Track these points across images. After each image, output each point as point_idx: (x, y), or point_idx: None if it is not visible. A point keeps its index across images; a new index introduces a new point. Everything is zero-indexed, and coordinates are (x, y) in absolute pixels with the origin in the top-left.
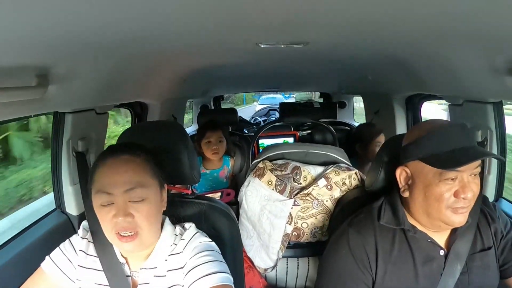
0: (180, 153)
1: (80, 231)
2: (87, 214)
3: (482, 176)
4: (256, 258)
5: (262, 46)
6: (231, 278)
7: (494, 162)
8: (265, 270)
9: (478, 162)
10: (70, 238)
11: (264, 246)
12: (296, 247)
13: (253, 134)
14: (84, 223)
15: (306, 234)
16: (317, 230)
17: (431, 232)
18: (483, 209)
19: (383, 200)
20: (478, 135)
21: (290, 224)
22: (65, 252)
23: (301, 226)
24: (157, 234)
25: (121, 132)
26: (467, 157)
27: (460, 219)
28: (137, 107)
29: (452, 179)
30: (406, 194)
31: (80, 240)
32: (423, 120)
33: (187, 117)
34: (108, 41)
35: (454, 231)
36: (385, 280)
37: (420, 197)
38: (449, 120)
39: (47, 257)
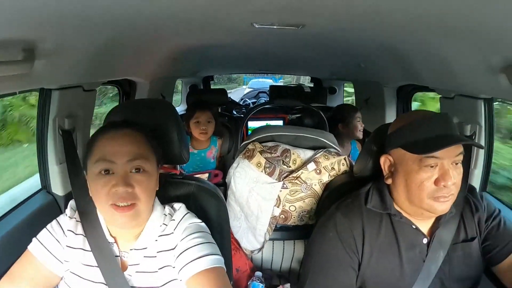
0: (170, 132)
1: (67, 211)
2: (75, 193)
3: (468, 169)
4: (243, 240)
5: (257, 27)
6: (222, 259)
7: (481, 156)
8: (252, 252)
9: (459, 150)
10: (58, 218)
11: (251, 228)
12: (282, 230)
13: (242, 116)
14: (72, 203)
15: (294, 217)
16: (304, 213)
17: (415, 219)
18: (469, 199)
19: (370, 186)
20: (467, 129)
21: (278, 207)
22: (53, 233)
23: (289, 209)
24: (149, 212)
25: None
26: (444, 142)
27: (442, 207)
28: (125, 85)
29: (432, 166)
30: (389, 181)
31: (68, 220)
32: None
33: (175, 97)
34: (98, 17)
35: (438, 219)
36: (371, 263)
37: (402, 184)
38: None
39: (34, 239)
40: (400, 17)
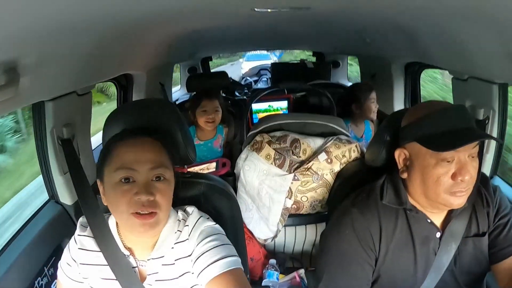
0: (174, 133)
1: (78, 229)
2: (83, 205)
3: (481, 157)
4: (256, 230)
5: (257, 10)
6: (239, 259)
7: (493, 141)
8: (265, 240)
9: (476, 141)
10: (74, 236)
11: (263, 218)
12: (294, 216)
13: (245, 98)
14: (82, 220)
15: (305, 207)
16: (316, 203)
17: (430, 212)
18: (481, 191)
19: (385, 179)
20: (480, 113)
21: (289, 199)
22: (68, 255)
23: (301, 199)
24: (167, 219)
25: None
26: (463, 139)
27: (458, 201)
28: (122, 79)
29: (449, 161)
30: (404, 176)
31: (79, 238)
32: (421, 88)
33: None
34: (81, 21)
35: (450, 212)
36: (386, 260)
37: (418, 179)
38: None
39: (58, 264)
40: None
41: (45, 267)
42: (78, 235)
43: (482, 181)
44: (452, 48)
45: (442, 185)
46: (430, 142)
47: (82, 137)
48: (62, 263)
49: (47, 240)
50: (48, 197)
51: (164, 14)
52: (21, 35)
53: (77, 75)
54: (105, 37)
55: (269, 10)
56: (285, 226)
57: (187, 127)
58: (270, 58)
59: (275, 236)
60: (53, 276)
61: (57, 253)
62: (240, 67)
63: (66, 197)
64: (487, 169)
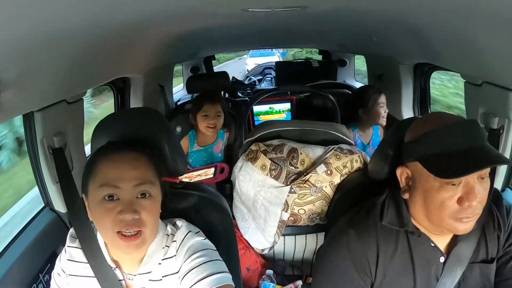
0: (161, 145)
1: (68, 240)
2: (72, 216)
3: (493, 173)
4: (252, 240)
5: (250, 11)
6: (229, 275)
7: (508, 150)
8: (262, 250)
9: None
10: (65, 246)
11: (260, 229)
12: (293, 226)
13: (247, 99)
14: (71, 231)
15: (303, 220)
16: (314, 216)
17: (433, 235)
18: (493, 211)
19: (386, 196)
20: (494, 122)
21: (286, 211)
22: (60, 263)
23: (298, 212)
24: (154, 235)
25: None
26: (473, 164)
27: (465, 226)
28: (118, 83)
29: (454, 184)
30: (406, 196)
31: (68, 249)
32: (431, 90)
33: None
34: (65, 30)
35: (456, 236)
36: (383, 285)
37: (420, 201)
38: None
39: (52, 273)
40: None
41: (40, 274)
42: (68, 246)
43: (494, 199)
44: (465, 50)
45: (447, 210)
46: (433, 165)
47: (74, 145)
48: (54, 273)
49: (42, 247)
50: (43, 205)
51: (154, 16)
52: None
53: (65, 84)
54: (92, 44)
55: (261, 10)
56: (284, 235)
57: (175, 138)
58: (274, 54)
59: (272, 246)
60: (48, 283)
61: (52, 260)
62: (244, 62)
63: (60, 205)
64: (499, 181)
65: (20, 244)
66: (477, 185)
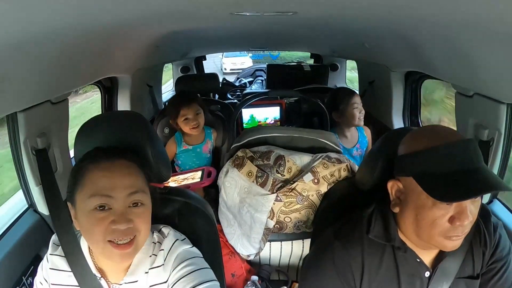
0: (143, 149)
1: (50, 248)
2: (54, 220)
3: None
4: (238, 246)
5: (236, 14)
6: (217, 283)
7: (497, 162)
8: (248, 256)
9: None
10: (46, 254)
11: (245, 235)
12: (279, 233)
13: (236, 101)
14: (54, 238)
15: (289, 228)
16: (301, 223)
17: (419, 250)
18: (480, 227)
19: (373, 209)
20: (484, 134)
21: (271, 219)
22: (42, 271)
23: (284, 220)
24: (145, 242)
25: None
26: (471, 190)
27: (453, 243)
28: (106, 82)
29: (448, 204)
30: (396, 210)
31: (50, 258)
32: (422, 98)
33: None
34: (47, 32)
35: (443, 251)
36: None
37: (410, 217)
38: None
39: (34, 280)
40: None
41: (23, 277)
42: (50, 254)
43: (483, 215)
44: (457, 61)
45: (437, 228)
46: (430, 185)
47: (59, 146)
48: (36, 281)
49: (26, 249)
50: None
51: (141, 17)
52: None
53: (50, 84)
54: (78, 44)
55: (248, 14)
56: (270, 241)
57: (159, 142)
58: (246, 55)
59: (258, 252)
60: (31, 286)
61: (35, 262)
62: (220, 61)
63: (43, 207)
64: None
65: (2, 246)
66: (469, 205)
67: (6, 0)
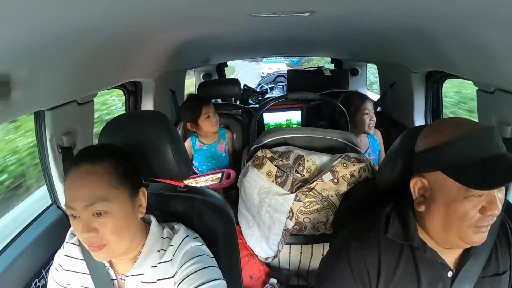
0: (164, 148)
1: (67, 236)
2: None
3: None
4: (256, 248)
5: (256, 16)
6: (223, 282)
7: None
8: (266, 259)
9: None
10: (64, 243)
11: (264, 237)
12: (299, 235)
13: (257, 106)
14: (72, 228)
15: (308, 229)
16: (320, 225)
17: (442, 249)
18: (505, 223)
19: (391, 208)
20: (507, 130)
21: (291, 220)
22: (57, 259)
23: (303, 220)
24: (134, 242)
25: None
26: (505, 175)
27: (480, 238)
28: (130, 86)
29: (480, 195)
30: (421, 209)
31: (66, 245)
32: (443, 99)
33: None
34: (75, 31)
35: (467, 250)
36: None
37: (440, 214)
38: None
39: (50, 269)
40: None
41: (43, 270)
42: (67, 242)
43: (507, 209)
44: (478, 57)
45: (469, 221)
46: (466, 176)
47: (84, 145)
48: (52, 268)
49: (47, 243)
50: (50, 202)
51: (160, 21)
52: (11, 49)
53: (75, 85)
54: (101, 46)
55: (266, 15)
56: (289, 244)
57: (180, 141)
58: (282, 61)
59: (276, 255)
60: None
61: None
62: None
63: None
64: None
65: (24, 239)
66: (497, 194)
67: (35, 1)
